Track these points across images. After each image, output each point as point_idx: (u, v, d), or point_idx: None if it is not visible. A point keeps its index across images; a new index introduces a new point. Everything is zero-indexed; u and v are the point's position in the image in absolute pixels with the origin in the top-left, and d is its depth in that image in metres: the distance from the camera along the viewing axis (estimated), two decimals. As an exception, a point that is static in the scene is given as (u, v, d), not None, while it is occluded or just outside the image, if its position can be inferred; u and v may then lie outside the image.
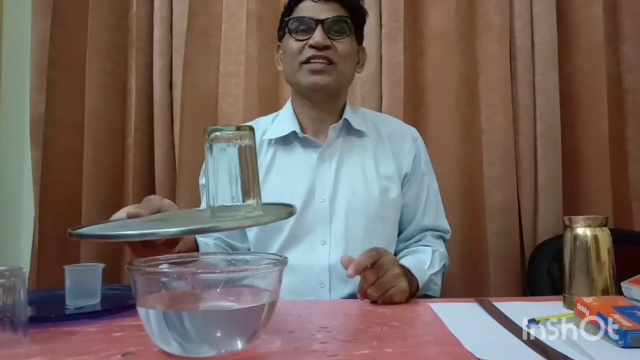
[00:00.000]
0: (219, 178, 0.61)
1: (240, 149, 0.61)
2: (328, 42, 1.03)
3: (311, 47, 1.03)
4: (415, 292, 0.93)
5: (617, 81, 1.56)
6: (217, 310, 0.55)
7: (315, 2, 1.04)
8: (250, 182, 0.61)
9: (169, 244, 0.74)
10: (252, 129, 0.63)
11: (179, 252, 0.80)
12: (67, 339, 0.63)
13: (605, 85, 1.51)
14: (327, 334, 0.64)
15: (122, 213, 0.71)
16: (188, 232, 0.61)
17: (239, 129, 0.62)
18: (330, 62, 1.03)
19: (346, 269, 0.83)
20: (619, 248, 0.82)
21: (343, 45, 1.05)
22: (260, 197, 0.63)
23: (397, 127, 1.19)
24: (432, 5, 1.58)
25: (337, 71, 1.05)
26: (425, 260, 1.03)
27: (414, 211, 1.13)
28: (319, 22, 1.03)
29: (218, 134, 0.61)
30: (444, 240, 1.16)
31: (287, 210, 0.66)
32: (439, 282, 1.05)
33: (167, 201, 0.76)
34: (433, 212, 1.14)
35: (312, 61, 1.03)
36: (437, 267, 1.03)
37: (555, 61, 1.52)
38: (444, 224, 1.16)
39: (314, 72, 1.04)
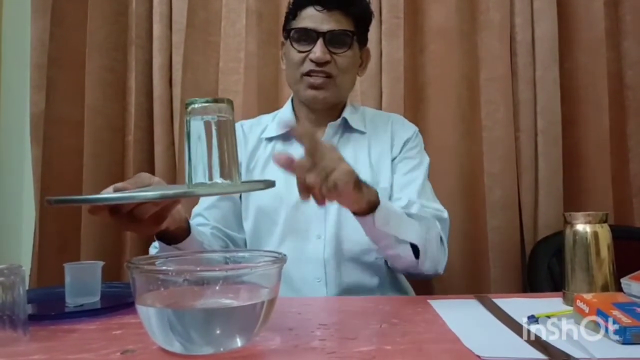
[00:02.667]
0: (197, 151, 0.61)
1: (219, 122, 0.61)
2: (328, 57, 1.02)
3: (311, 60, 1.03)
4: (374, 205, 0.83)
5: (617, 77, 1.56)
6: (215, 308, 0.55)
7: (318, 10, 1.03)
8: (227, 155, 0.61)
9: (156, 219, 0.71)
10: (230, 101, 0.62)
11: (167, 229, 0.79)
12: (66, 337, 0.63)
13: (606, 81, 1.51)
14: (326, 330, 0.64)
15: (109, 188, 0.70)
16: (164, 196, 0.62)
17: (216, 101, 0.61)
18: (329, 76, 1.04)
19: (281, 165, 0.71)
20: (619, 244, 0.82)
21: (343, 58, 1.04)
22: (238, 172, 0.63)
23: (397, 122, 1.18)
24: (432, 1, 1.57)
25: (336, 85, 1.05)
26: (398, 203, 0.98)
27: (394, 185, 1.08)
28: (320, 34, 1.02)
29: (195, 105, 0.61)
30: (441, 220, 1.03)
31: (265, 183, 0.66)
32: (419, 230, 0.92)
33: (157, 178, 0.75)
34: (415, 190, 1.05)
35: (312, 74, 1.03)
36: (413, 211, 0.97)
37: (555, 57, 1.52)
38: (431, 203, 1.06)
39: (313, 87, 1.04)
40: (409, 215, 0.94)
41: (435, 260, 0.97)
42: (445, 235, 1.04)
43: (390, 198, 1.07)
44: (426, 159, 1.14)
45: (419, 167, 1.11)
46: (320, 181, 0.70)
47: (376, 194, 0.84)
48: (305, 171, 0.70)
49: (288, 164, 0.71)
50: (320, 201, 0.73)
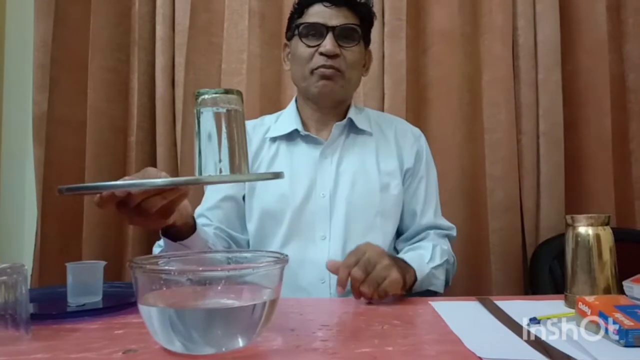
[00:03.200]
0: (206, 142, 0.61)
1: (229, 113, 0.61)
2: (337, 50, 1.04)
3: (321, 54, 1.04)
4: (413, 283, 0.92)
5: (619, 79, 1.56)
6: (218, 308, 0.55)
7: (326, 6, 1.05)
8: (237, 146, 0.62)
9: (163, 213, 0.71)
10: (239, 93, 0.63)
11: (173, 224, 0.78)
12: (68, 336, 0.63)
13: (608, 84, 1.51)
14: (328, 331, 0.64)
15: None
16: (172, 183, 0.63)
17: (226, 92, 0.62)
18: (338, 70, 1.05)
19: (332, 272, 0.85)
20: (621, 246, 0.82)
21: (351, 53, 1.06)
22: (247, 163, 0.63)
23: (401, 125, 1.20)
24: (435, 3, 1.58)
25: (345, 79, 1.07)
26: (424, 254, 1.02)
27: (413, 209, 1.13)
28: (330, 28, 1.04)
29: (206, 96, 0.61)
30: (450, 237, 1.16)
31: (273, 173, 0.67)
32: (441, 277, 1.04)
33: (164, 173, 0.74)
34: (432, 211, 1.14)
35: (322, 69, 1.04)
36: (437, 261, 1.02)
37: (557, 59, 1.52)
38: (444, 222, 1.16)
39: (324, 77, 1.05)
40: (435, 267, 1.01)
41: (448, 280, 1.09)
42: (453, 249, 1.13)
43: (402, 211, 1.13)
44: (434, 172, 1.18)
45: (432, 184, 1.16)
46: (373, 290, 0.81)
47: (414, 273, 0.92)
48: (360, 283, 0.81)
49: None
50: (371, 300, 0.83)
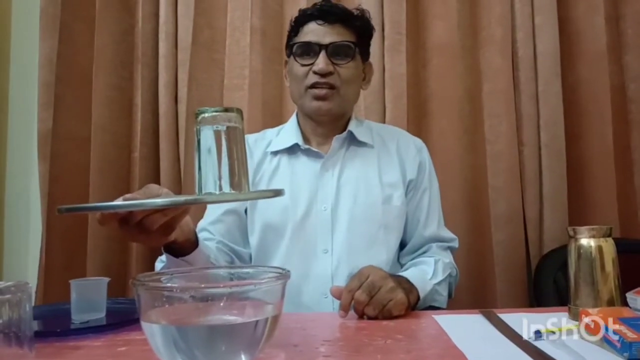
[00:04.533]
0: (207, 160, 0.61)
1: (229, 131, 0.62)
2: (331, 68, 1.04)
3: (315, 72, 1.04)
4: (416, 302, 0.92)
5: (620, 90, 1.56)
6: (220, 324, 0.55)
7: (319, 24, 1.06)
8: (237, 164, 0.62)
9: (165, 230, 0.71)
10: (239, 111, 0.64)
11: (175, 240, 0.79)
12: (72, 354, 0.63)
13: (609, 94, 1.51)
14: (330, 346, 0.64)
15: (118, 199, 0.70)
16: (174, 203, 0.64)
17: (226, 110, 0.62)
18: (333, 87, 1.05)
19: (336, 298, 0.85)
20: (625, 258, 0.82)
21: (346, 69, 1.06)
22: (247, 181, 0.64)
23: (403, 136, 1.21)
24: (434, 17, 1.59)
25: (340, 95, 1.07)
26: (427, 270, 1.03)
27: (416, 221, 1.13)
28: (323, 47, 1.04)
29: (206, 114, 0.62)
30: (452, 249, 1.16)
31: (273, 191, 0.67)
32: (444, 292, 1.05)
33: (166, 190, 0.75)
34: (435, 222, 1.14)
35: (316, 86, 1.05)
36: (440, 277, 1.03)
37: (557, 71, 1.53)
38: (447, 233, 1.16)
39: (318, 98, 1.06)
40: (438, 283, 1.02)
41: (450, 292, 1.10)
42: (455, 260, 1.14)
43: (405, 223, 1.13)
44: (437, 183, 1.19)
45: (434, 195, 1.16)
46: (378, 312, 0.81)
47: (417, 294, 0.93)
48: (364, 306, 0.81)
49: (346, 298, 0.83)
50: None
